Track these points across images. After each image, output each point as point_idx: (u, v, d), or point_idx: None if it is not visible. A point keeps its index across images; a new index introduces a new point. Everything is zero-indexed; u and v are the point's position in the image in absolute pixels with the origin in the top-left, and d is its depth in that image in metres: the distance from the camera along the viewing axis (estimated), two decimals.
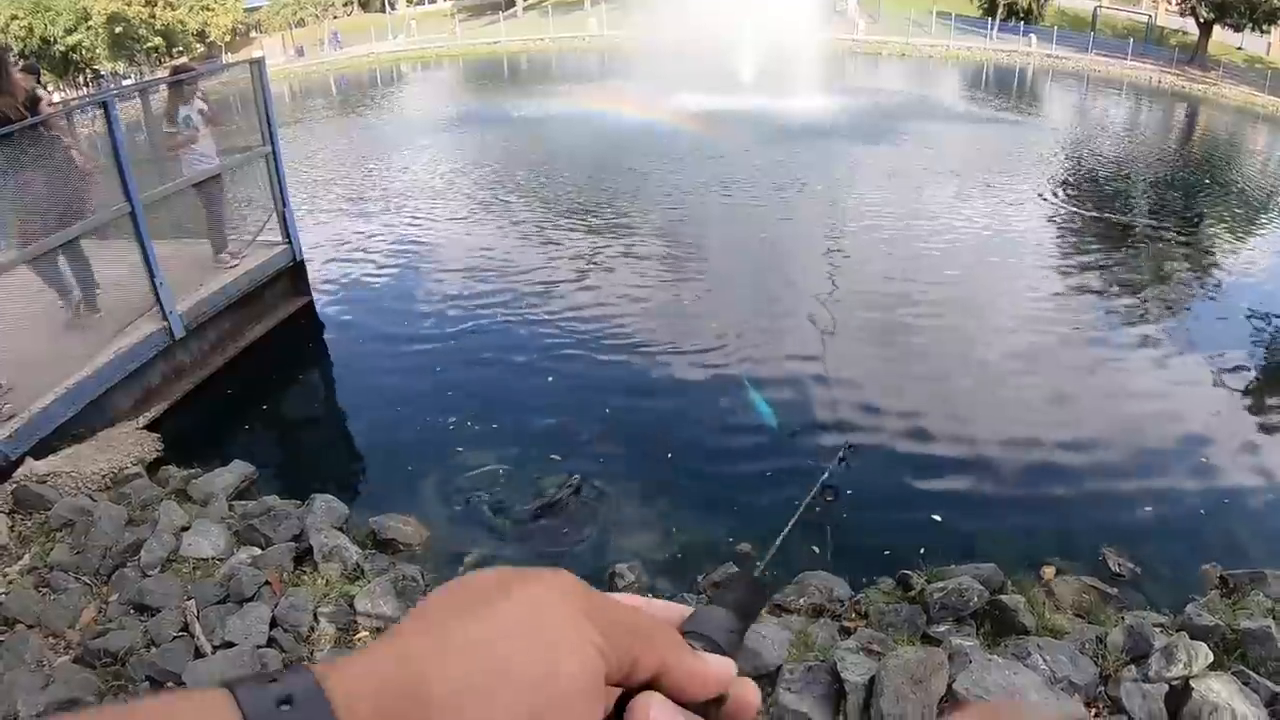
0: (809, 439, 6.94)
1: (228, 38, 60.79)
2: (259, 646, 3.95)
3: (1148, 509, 6.20)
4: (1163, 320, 10.20)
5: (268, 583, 4.38)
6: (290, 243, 8.95)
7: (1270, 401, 8.27)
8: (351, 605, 4.25)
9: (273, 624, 4.09)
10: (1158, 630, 4.29)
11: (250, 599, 4.26)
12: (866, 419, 7.24)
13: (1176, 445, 7.16)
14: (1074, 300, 10.68)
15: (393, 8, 68.49)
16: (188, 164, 7.92)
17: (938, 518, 5.87)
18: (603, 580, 4.98)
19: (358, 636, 4.12)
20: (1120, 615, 4.67)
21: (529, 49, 49.10)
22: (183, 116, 7.79)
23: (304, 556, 4.77)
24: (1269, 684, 3.91)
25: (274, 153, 8.64)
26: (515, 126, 22.43)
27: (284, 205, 8.88)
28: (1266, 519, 6.25)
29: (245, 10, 63.17)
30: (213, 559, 4.69)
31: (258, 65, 8.41)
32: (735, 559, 5.27)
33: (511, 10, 60.69)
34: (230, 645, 3.95)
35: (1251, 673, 3.98)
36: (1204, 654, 4.01)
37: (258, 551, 4.76)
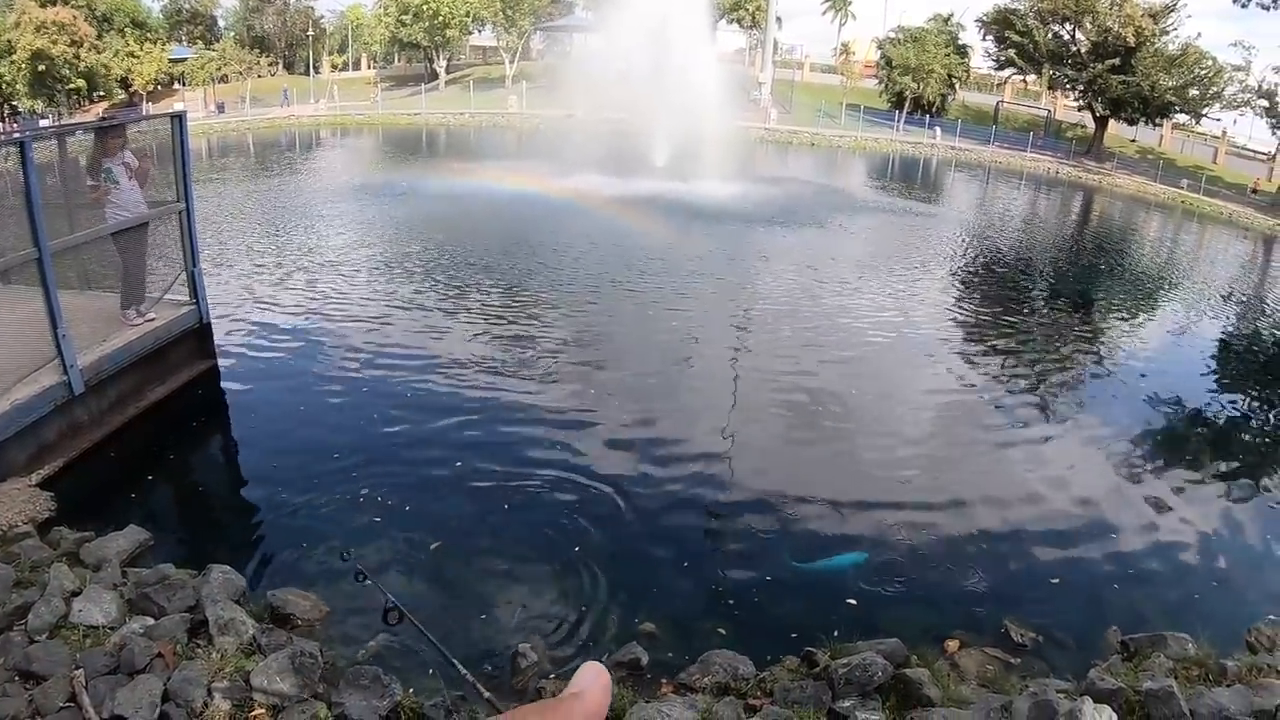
0: (720, 522, 7.01)
1: (150, 87, 60.01)
2: None
3: (1054, 580, 6.39)
4: (1061, 398, 10.66)
5: (160, 654, 4.18)
6: (198, 303, 8.75)
7: (1165, 473, 8.68)
8: (247, 681, 4.08)
9: (164, 698, 3.90)
10: (1062, 696, 4.39)
11: (141, 670, 4.06)
12: (773, 503, 7.32)
13: (1076, 517, 7.45)
14: (976, 381, 11.11)
15: (317, 71, 68.49)
16: (109, 215, 7.70)
17: (852, 601, 5.93)
18: (505, 661, 4.90)
19: (253, 714, 3.95)
20: (1024, 683, 4.77)
21: (449, 123, 49.46)
22: (104, 169, 7.60)
23: (199, 628, 4.57)
24: None
25: (188, 210, 8.48)
26: (430, 200, 22.35)
27: (194, 264, 8.70)
28: (1165, 585, 6.55)
29: (170, 60, 62.57)
30: (104, 627, 4.47)
31: (179, 120, 8.29)
32: (637, 638, 5.23)
33: (434, 83, 61.21)
34: (120, 719, 3.75)
35: None
36: (1108, 716, 4.12)
37: (150, 621, 4.54)
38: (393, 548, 6.14)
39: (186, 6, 75.76)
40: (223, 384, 9.08)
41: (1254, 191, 42.53)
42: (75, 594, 4.68)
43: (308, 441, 7.93)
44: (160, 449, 7.61)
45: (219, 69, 63.58)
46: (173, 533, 6.31)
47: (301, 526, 6.42)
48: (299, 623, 5.05)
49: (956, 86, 58.21)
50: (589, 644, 5.24)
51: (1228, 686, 4.67)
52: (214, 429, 8.50)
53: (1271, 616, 5.95)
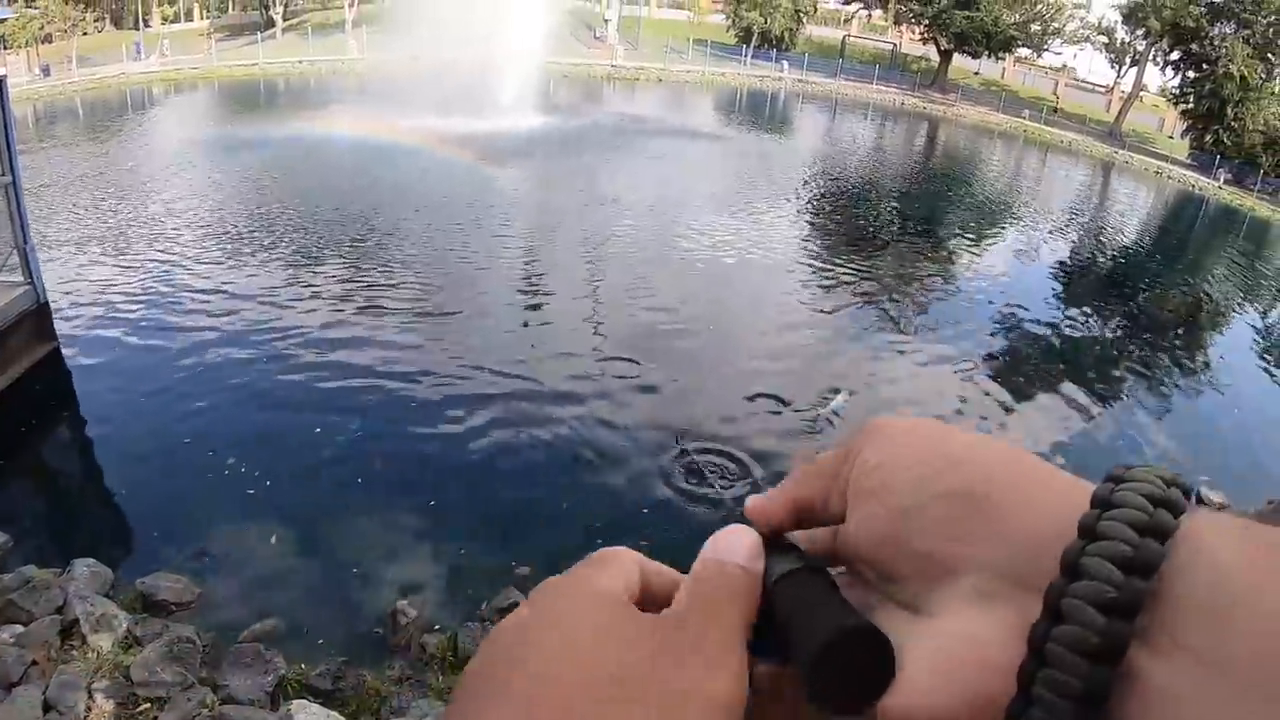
0: (587, 456, 7.26)
1: None
2: None
3: None
4: (912, 317, 11.32)
5: (35, 662, 4.16)
6: (33, 283, 8.30)
7: (1011, 386, 9.41)
8: (128, 677, 4.12)
9: (46, 707, 3.90)
10: None
11: (18, 683, 4.04)
12: (637, 434, 7.65)
13: None
14: (830, 303, 11.68)
15: (146, 25, 63.82)
16: None
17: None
18: (384, 622, 5.04)
19: (139, 709, 4.00)
20: None
21: (288, 72, 47.33)
22: None
23: (71, 629, 4.54)
24: None
25: (14, 183, 8.00)
26: (273, 153, 21.20)
27: (25, 241, 8.23)
28: None
29: None
30: None
31: None
32: (514, 582, 5.45)
33: (270, 31, 57.97)
34: None
35: None
36: None
37: (20, 629, 4.48)
38: (256, 524, 6.13)
39: None
40: (67, 366, 8.68)
41: (1055, 111, 45.38)
42: None
43: (160, 421, 7.75)
44: (8, 443, 7.28)
45: (42, 28, 58.29)
46: (31, 531, 6.13)
47: (164, 508, 6.37)
48: (173, 608, 5.07)
49: (803, 21, 58.93)
50: (466, 591, 5.44)
51: None
52: (62, 416, 8.16)
53: None
